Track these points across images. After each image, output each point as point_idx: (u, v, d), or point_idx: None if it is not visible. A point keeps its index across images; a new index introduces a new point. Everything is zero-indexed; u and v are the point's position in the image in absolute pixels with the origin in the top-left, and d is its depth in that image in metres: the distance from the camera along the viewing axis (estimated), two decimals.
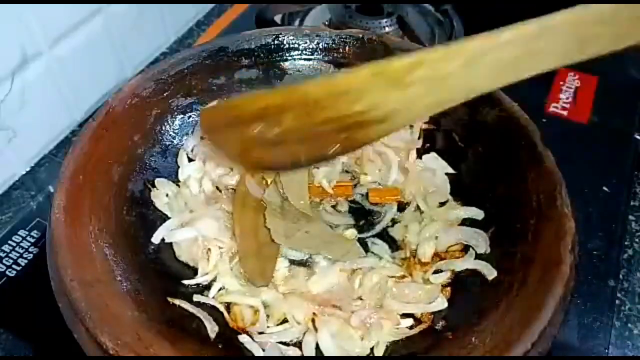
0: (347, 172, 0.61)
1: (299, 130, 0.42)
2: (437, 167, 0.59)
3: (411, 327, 0.48)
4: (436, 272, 0.51)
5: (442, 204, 0.57)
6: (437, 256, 0.53)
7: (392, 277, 0.51)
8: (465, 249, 0.53)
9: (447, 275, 0.51)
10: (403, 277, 0.51)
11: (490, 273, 0.49)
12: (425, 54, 0.37)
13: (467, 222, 0.55)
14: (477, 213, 0.55)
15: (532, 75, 0.37)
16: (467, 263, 0.51)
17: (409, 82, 0.37)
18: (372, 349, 0.47)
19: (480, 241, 0.52)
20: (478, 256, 0.51)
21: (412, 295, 0.50)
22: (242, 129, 0.44)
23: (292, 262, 0.53)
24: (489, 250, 0.51)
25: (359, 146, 0.45)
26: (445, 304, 0.49)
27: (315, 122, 0.41)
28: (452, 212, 0.55)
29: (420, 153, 0.61)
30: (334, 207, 0.58)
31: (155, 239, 0.52)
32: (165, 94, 0.59)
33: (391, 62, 0.38)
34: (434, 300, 0.49)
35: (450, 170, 0.59)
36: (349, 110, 0.39)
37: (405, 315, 0.49)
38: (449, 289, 0.50)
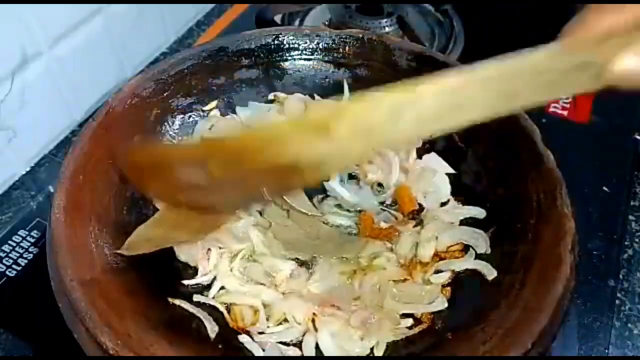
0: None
1: (228, 177, 0.42)
2: (437, 167, 0.59)
3: (411, 327, 0.48)
4: (436, 272, 0.51)
5: (443, 204, 0.57)
6: (437, 256, 0.53)
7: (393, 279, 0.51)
8: (465, 249, 0.53)
9: (447, 275, 0.51)
10: (404, 280, 0.51)
11: (490, 273, 0.49)
12: (346, 105, 0.38)
13: (467, 222, 0.55)
14: (478, 212, 0.55)
15: (460, 127, 0.36)
16: (467, 263, 0.51)
17: (334, 131, 0.37)
18: (372, 349, 0.47)
19: (480, 241, 0.52)
20: (478, 256, 0.51)
21: (412, 296, 0.50)
22: (167, 175, 0.44)
23: (297, 260, 0.53)
24: (489, 251, 0.51)
25: (296, 188, 0.46)
26: (445, 304, 0.49)
27: (243, 169, 0.41)
28: (454, 211, 0.55)
29: (420, 153, 0.61)
30: (338, 206, 0.58)
31: None
32: (165, 94, 0.59)
33: (310, 114, 0.38)
34: (434, 301, 0.49)
35: (451, 170, 0.59)
36: (276, 159, 0.39)
37: (405, 315, 0.49)
38: (449, 289, 0.50)
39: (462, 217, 0.55)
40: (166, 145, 0.50)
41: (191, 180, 0.43)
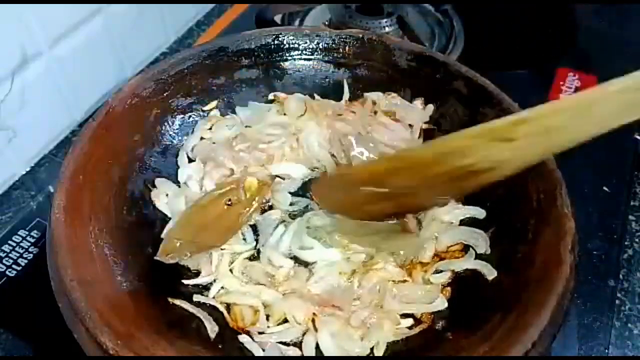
0: None
1: (408, 186, 0.46)
2: None
3: (411, 327, 0.48)
4: (436, 272, 0.51)
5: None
6: (437, 256, 0.53)
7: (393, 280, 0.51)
8: (465, 249, 0.53)
9: (447, 275, 0.51)
10: (404, 280, 0.51)
11: (490, 273, 0.49)
12: (527, 113, 0.40)
13: (467, 222, 0.55)
14: (478, 212, 0.55)
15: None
16: (467, 263, 0.51)
17: (513, 137, 0.40)
18: (372, 349, 0.47)
19: (480, 241, 0.52)
20: (478, 256, 0.51)
21: (412, 296, 0.49)
22: (353, 191, 0.48)
23: (296, 259, 0.52)
24: (489, 251, 0.51)
25: (466, 192, 0.49)
26: (445, 304, 0.49)
27: (424, 177, 0.45)
28: (454, 211, 0.55)
29: None
30: None
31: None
32: (165, 94, 0.59)
33: (494, 123, 0.41)
34: (434, 301, 0.49)
35: None
36: (457, 164, 0.43)
37: (405, 315, 0.49)
38: (449, 289, 0.50)
39: (461, 217, 0.55)
40: (351, 169, 0.54)
41: (374, 194, 0.47)
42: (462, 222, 0.55)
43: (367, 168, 0.49)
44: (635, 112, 0.38)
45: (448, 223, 0.54)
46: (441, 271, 0.51)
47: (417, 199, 0.49)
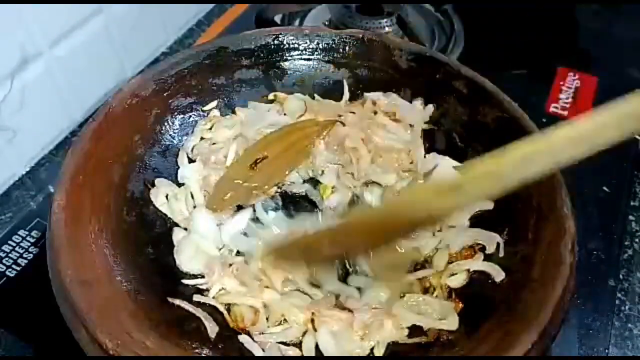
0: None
1: (366, 240, 0.46)
2: (442, 163, 0.58)
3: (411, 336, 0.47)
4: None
5: None
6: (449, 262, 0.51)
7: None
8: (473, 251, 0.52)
9: (463, 276, 0.50)
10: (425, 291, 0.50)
11: (499, 275, 0.48)
12: (478, 164, 0.40)
13: (475, 219, 0.54)
14: (485, 204, 0.53)
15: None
16: (477, 264, 0.50)
17: (468, 190, 0.40)
18: (372, 349, 0.47)
19: (490, 240, 0.51)
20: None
21: (423, 307, 0.48)
22: (310, 253, 0.48)
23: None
24: (502, 251, 0.50)
25: (420, 230, 0.51)
26: (456, 325, 0.46)
27: (372, 234, 0.45)
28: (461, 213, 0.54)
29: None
30: None
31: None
32: (165, 94, 0.59)
33: (442, 180, 0.44)
34: (446, 317, 0.47)
35: (456, 163, 0.58)
36: (414, 218, 0.43)
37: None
38: (460, 304, 0.48)
39: (472, 212, 0.53)
40: (310, 235, 0.52)
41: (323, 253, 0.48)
42: (472, 219, 0.54)
43: (317, 236, 0.48)
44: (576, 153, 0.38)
45: (456, 228, 0.53)
46: (455, 274, 0.50)
47: (366, 247, 0.49)
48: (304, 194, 0.59)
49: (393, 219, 0.43)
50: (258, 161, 0.58)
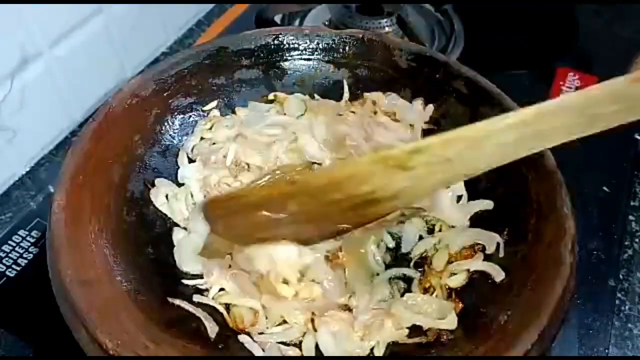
0: None
1: (305, 212, 0.44)
2: None
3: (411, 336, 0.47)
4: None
5: (459, 198, 0.55)
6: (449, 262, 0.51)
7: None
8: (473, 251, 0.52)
9: (463, 277, 0.50)
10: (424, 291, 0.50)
11: (499, 275, 0.48)
12: (424, 142, 0.40)
13: (475, 219, 0.54)
14: (486, 204, 0.53)
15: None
16: (477, 264, 0.50)
17: (412, 166, 0.40)
18: (372, 349, 0.47)
19: (490, 240, 0.51)
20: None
21: (422, 307, 0.48)
22: (248, 215, 0.46)
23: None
24: (502, 251, 0.50)
25: (369, 221, 0.48)
26: (455, 324, 0.46)
27: (321, 204, 0.44)
28: (462, 209, 0.54)
29: None
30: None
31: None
32: (165, 94, 0.59)
33: (391, 151, 0.41)
34: (445, 317, 0.46)
35: None
36: (355, 192, 0.42)
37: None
38: (460, 304, 0.48)
39: (472, 212, 0.53)
40: (246, 188, 0.51)
41: (269, 218, 0.46)
42: (472, 219, 0.54)
43: (262, 191, 0.46)
44: (529, 146, 0.39)
45: (456, 228, 0.53)
46: (455, 274, 0.50)
47: (315, 227, 0.47)
48: None
49: (337, 190, 0.42)
50: None
